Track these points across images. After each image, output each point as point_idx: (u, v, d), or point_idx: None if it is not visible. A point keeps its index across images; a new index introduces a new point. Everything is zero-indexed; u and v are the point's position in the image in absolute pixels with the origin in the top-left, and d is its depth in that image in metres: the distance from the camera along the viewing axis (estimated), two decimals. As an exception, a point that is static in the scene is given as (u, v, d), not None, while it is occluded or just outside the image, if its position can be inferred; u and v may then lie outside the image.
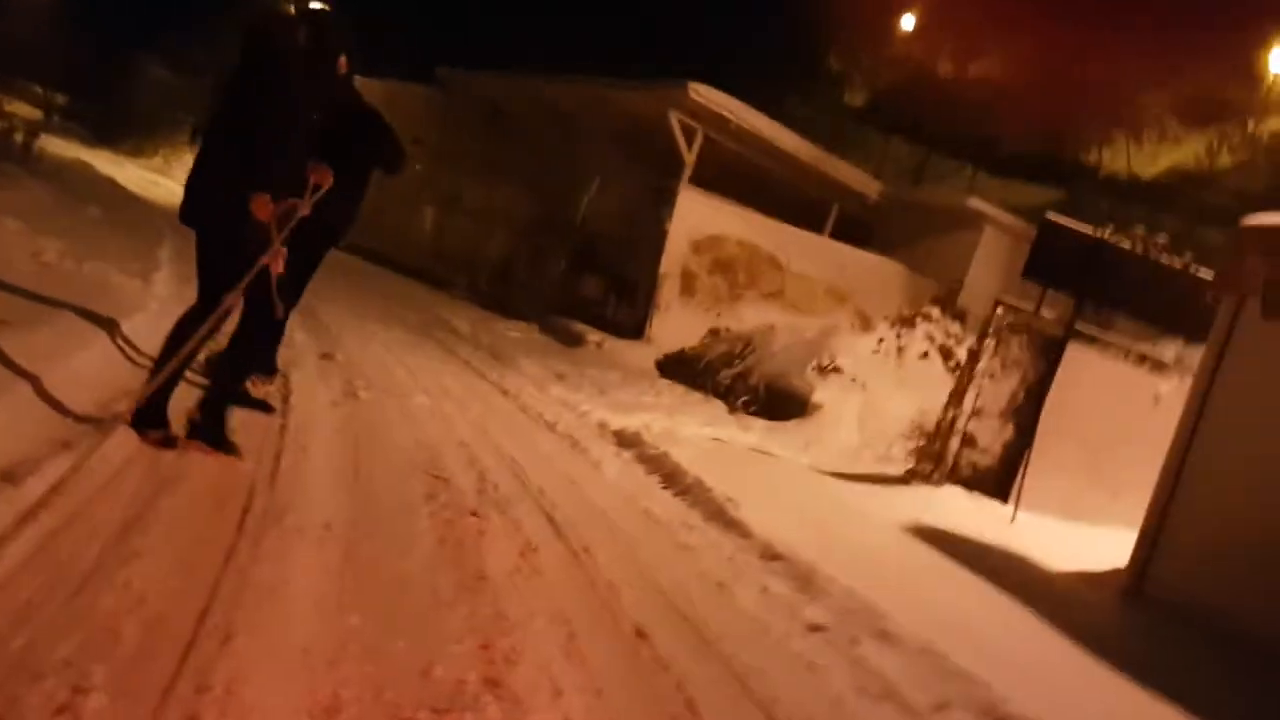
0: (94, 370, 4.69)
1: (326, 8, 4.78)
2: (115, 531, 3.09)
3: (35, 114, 29.06)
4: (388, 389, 7.19)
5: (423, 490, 4.78)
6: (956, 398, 8.98)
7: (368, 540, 3.78)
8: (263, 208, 4.24)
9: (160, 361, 4.30)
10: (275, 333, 5.46)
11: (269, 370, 5.64)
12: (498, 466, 5.80)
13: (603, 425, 8.30)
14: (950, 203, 18.79)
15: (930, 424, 9.30)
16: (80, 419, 4.04)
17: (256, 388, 5.37)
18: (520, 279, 20.56)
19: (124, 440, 3.91)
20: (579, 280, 18.97)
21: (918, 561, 6.49)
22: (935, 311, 13.66)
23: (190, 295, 7.94)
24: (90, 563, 2.83)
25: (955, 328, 13.05)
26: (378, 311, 11.98)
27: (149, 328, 6.11)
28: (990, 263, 17.71)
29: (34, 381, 3.99)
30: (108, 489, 3.40)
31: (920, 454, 9.07)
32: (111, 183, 18.07)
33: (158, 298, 7.05)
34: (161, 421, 4.21)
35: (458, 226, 23.75)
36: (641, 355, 14.63)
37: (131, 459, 3.78)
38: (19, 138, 11.46)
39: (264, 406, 5.28)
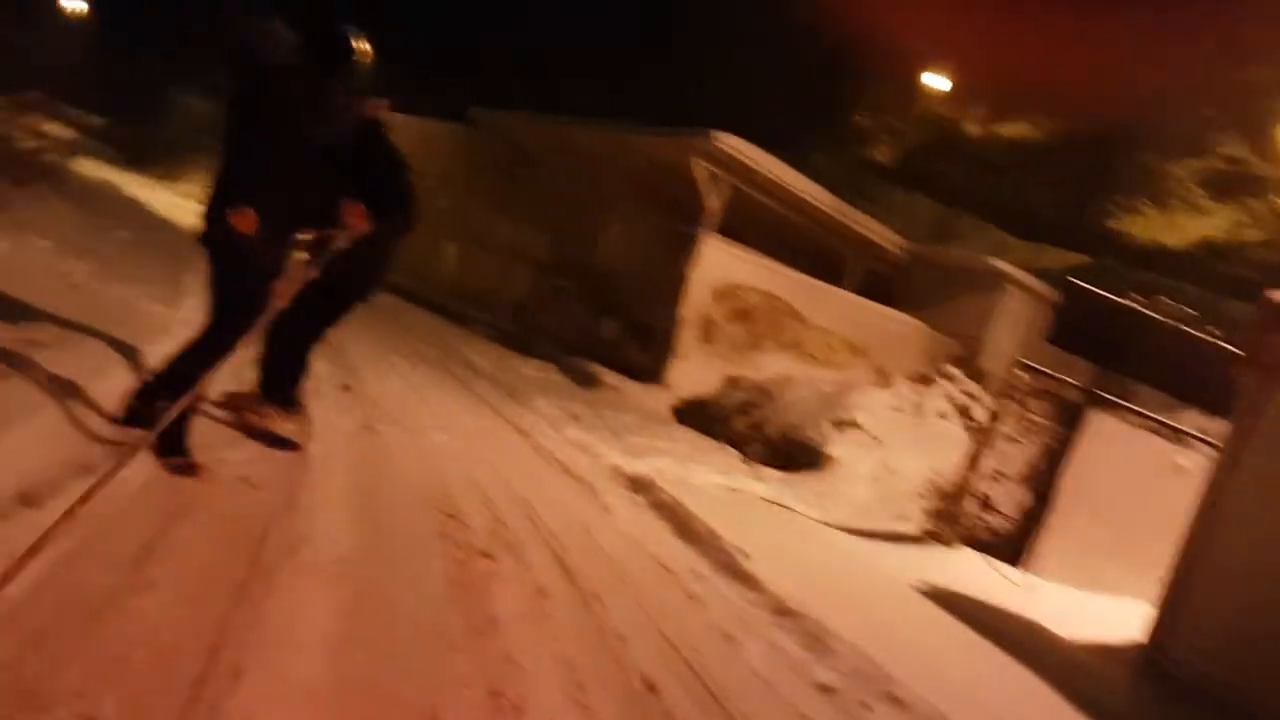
0: (118, 394, 4.69)
1: (344, 33, 4.83)
2: (130, 559, 3.08)
3: (69, 135, 29.45)
4: (405, 424, 7.18)
5: (436, 528, 4.76)
6: (974, 459, 8.93)
7: (380, 577, 3.76)
8: (242, 220, 4.29)
9: (168, 379, 4.35)
10: (298, 370, 5.42)
11: (291, 406, 5.50)
12: (510, 507, 5.77)
13: (616, 469, 8.27)
14: (972, 262, 18.80)
15: (946, 484, 9.24)
16: (102, 443, 4.05)
17: (279, 424, 5.27)
18: (540, 318, 20.62)
19: (143, 465, 3.91)
20: (597, 322, 19.00)
21: (929, 624, 6.42)
22: (955, 371, 13.65)
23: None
24: (104, 590, 2.82)
25: (974, 388, 13.03)
26: (398, 345, 12.01)
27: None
28: (1011, 324, 17.70)
29: (59, 404, 4.00)
30: (125, 515, 3.40)
31: (935, 514, 9.00)
32: (141, 206, 18.24)
33: (184, 323, 7.06)
34: (182, 449, 4.23)
35: (480, 263, 23.87)
36: (657, 399, 14.61)
37: (149, 485, 3.78)
38: (51, 158, 11.57)
39: (287, 444, 5.20)
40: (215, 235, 4.45)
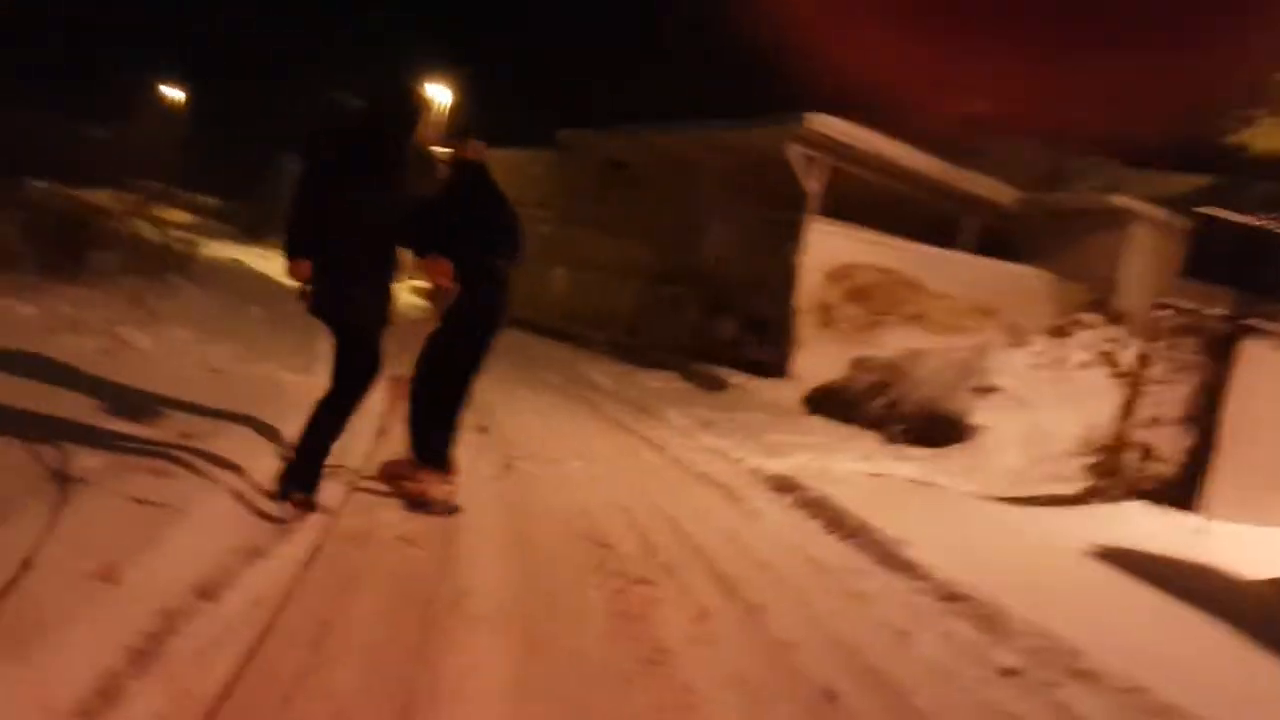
0: (274, 474, 4.83)
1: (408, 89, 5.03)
2: (310, 638, 3.15)
3: (189, 219, 30.69)
4: (542, 457, 7.24)
5: (589, 560, 4.77)
6: (1127, 407, 8.55)
7: (543, 619, 3.78)
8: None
9: (309, 440, 4.58)
10: (448, 429, 5.34)
11: (445, 466, 5.31)
12: (658, 527, 5.75)
13: (756, 471, 8.19)
14: (1093, 202, 18.13)
15: (1102, 438, 8.86)
16: (267, 522, 4.17)
17: (436, 488, 5.15)
18: (655, 329, 20.64)
19: (308, 541, 4.01)
20: (713, 324, 18.92)
21: (1106, 586, 6.16)
22: (1091, 318, 13.15)
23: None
24: (292, 672, 2.89)
25: (1115, 333, 12.52)
26: (522, 376, 12.14)
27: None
28: (1142, 260, 17.02)
29: (220, 492, 4.14)
30: (297, 593, 3.47)
31: (1094, 470, 8.64)
32: (265, 279, 18.87)
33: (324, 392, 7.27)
34: (312, 488, 4.49)
35: (588, 283, 24.05)
36: (786, 393, 14.46)
37: (315, 560, 3.86)
38: (178, 246, 12.09)
39: (448, 509, 5.07)
40: (323, 305, 4.75)
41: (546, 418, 9.24)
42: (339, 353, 4.74)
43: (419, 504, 5.01)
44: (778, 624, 4.31)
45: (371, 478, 5.16)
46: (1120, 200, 17.51)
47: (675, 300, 20.20)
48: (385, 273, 4.82)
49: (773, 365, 16.33)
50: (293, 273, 4.69)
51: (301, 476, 4.48)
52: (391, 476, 5.22)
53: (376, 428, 5.08)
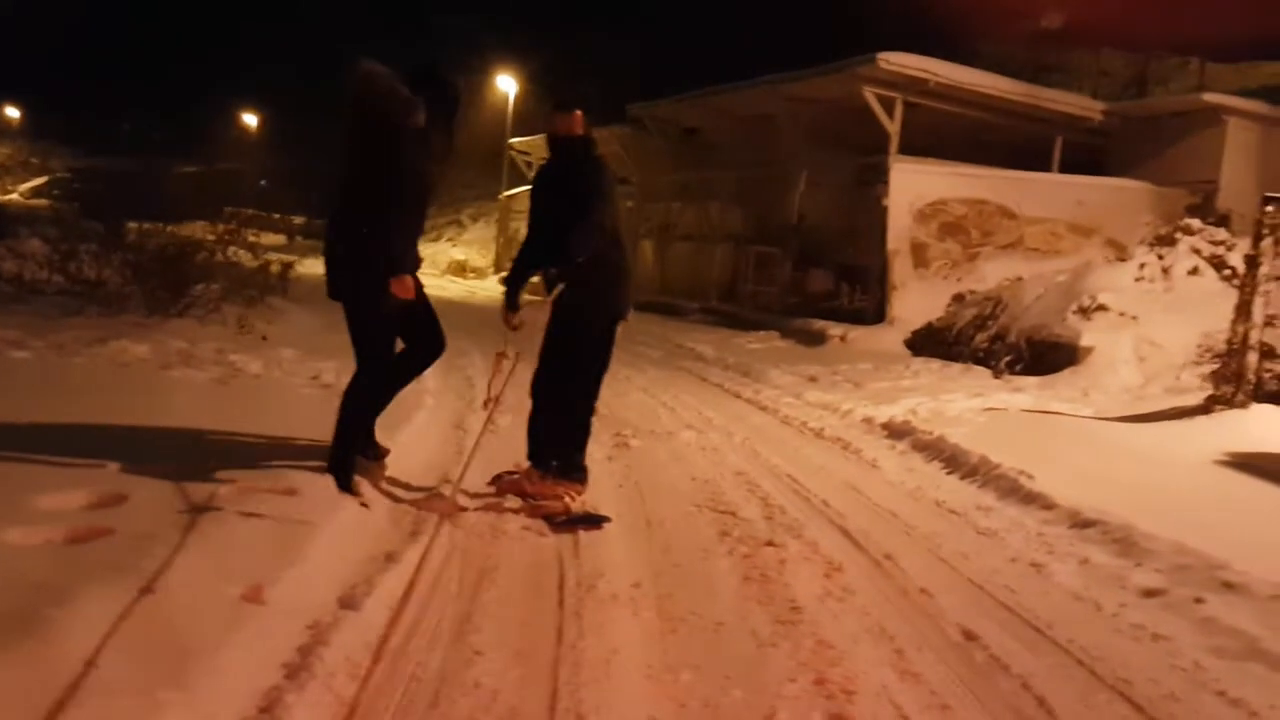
0: (394, 478, 4.99)
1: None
2: (452, 634, 3.25)
3: (280, 240, 31.40)
4: (654, 431, 7.31)
5: (713, 529, 4.81)
6: (1243, 309, 8.25)
7: (676, 592, 3.83)
8: (404, 289, 4.42)
9: (341, 429, 4.56)
10: (579, 433, 5.06)
11: (578, 474, 5.03)
12: (777, 488, 5.77)
13: (868, 420, 8.15)
14: (1184, 104, 17.49)
15: (1219, 343, 8.59)
16: (395, 527, 4.31)
17: (574, 500, 4.85)
18: (748, 290, 20.59)
19: (436, 540, 4.13)
20: (806, 278, 18.81)
21: (1242, 495, 6.00)
22: (1194, 223, 12.73)
23: (456, 382, 8.40)
24: (438, 670, 2.98)
25: (1222, 234, 12.10)
26: (623, 354, 12.20)
27: (428, 426, 6.49)
28: (1243, 157, 16.37)
29: (346, 503, 4.27)
30: (434, 592, 3.59)
31: (1215, 377, 8.38)
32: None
33: (431, 393, 7.44)
34: (348, 482, 4.44)
35: (677, 253, 24.07)
36: (887, 339, 14.32)
37: (449, 558, 3.98)
38: (274, 268, 12.43)
39: (592, 520, 4.68)
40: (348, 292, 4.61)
41: (652, 392, 9.31)
42: (372, 338, 4.61)
43: (565, 521, 4.62)
44: (909, 571, 4.30)
45: (500, 488, 5.07)
46: (1213, 97, 16.84)
47: (765, 259, 20.12)
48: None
49: (871, 312, 16.17)
50: (401, 290, 4.45)
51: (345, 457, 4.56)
52: (519, 491, 4.95)
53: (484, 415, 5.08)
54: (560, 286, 4.67)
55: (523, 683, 2.94)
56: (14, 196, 37.19)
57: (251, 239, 12.74)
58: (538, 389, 5.06)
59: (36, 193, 43.94)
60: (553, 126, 4.93)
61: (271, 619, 3.00)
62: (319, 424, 5.65)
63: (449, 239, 37.89)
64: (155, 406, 5.70)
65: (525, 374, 4.99)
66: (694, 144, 23.77)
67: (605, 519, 4.72)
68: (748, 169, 20.83)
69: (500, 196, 34.83)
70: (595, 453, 5.74)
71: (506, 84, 36.64)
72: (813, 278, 18.61)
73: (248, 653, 2.76)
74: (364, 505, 4.36)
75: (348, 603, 3.29)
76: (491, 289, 27.16)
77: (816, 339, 14.79)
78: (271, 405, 6.20)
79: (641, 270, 23.83)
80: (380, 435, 5.39)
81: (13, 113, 54.54)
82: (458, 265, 33.43)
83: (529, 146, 32.89)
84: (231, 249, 11.76)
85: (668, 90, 23.01)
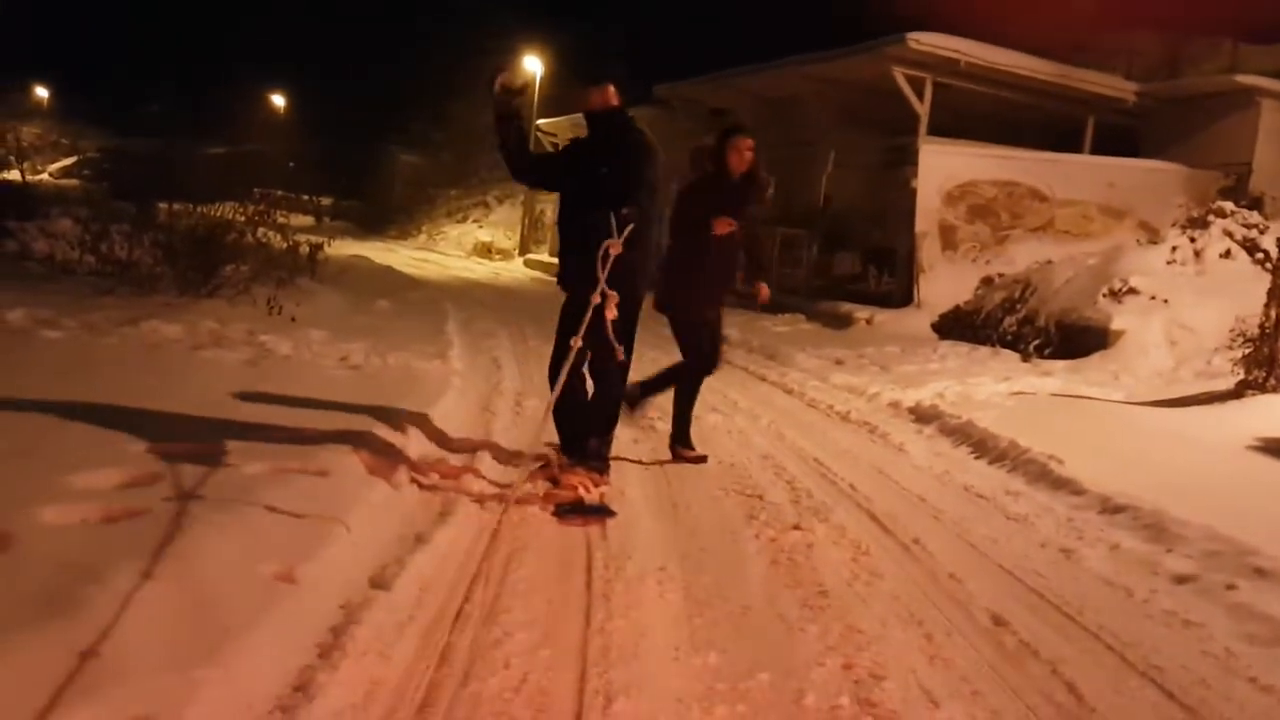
0: (423, 459, 5.01)
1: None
2: (482, 614, 3.27)
3: (309, 221, 31.50)
4: (679, 413, 7.30)
5: (740, 512, 4.81)
6: (1276, 293, 8.16)
7: (704, 574, 3.84)
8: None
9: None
10: (608, 425, 5.08)
11: (599, 465, 4.97)
12: (804, 471, 5.77)
13: (895, 404, 8.12)
14: (1217, 85, 17.20)
15: (1251, 327, 8.49)
16: (425, 508, 4.33)
17: (591, 491, 4.75)
18: (774, 272, 20.49)
19: (465, 521, 4.15)
20: (833, 261, 18.70)
21: (1272, 481, 5.93)
22: (1227, 205, 12.56)
23: (483, 363, 8.45)
24: (469, 649, 3.00)
25: (1255, 217, 11.93)
26: (649, 336, 12.19)
27: (456, 408, 6.50)
28: (1276, 139, 16.16)
29: (377, 483, 4.30)
30: (463, 574, 3.61)
31: (1247, 362, 8.28)
32: (389, 271, 19.36)
33: (458, 374, 7.47)
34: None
35: (703, 234, 23.92)
36: (915, 322, 14.22)
37: (478, 538, 4.01)
38: (303, 249, 12.50)
39: (603, 512, 4.58)
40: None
41: (678, 374, 9.29)
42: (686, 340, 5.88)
43: (571, 510, 4.55)
44: (938, 556, 4.29)
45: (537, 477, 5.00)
46: (1246, 79, 16.57)
47: (791, 241, 20.02)
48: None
49: (898, 295, 16.07)
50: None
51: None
52: (548, 479, 4.90)
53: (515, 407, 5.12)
54: (630, 227, 4.53)
55: (552, 663, 2.95)
56: (44, 177, 37.46)
57: (281, 220, 12.80)
58: (557, 373, 4.72)
59: (66, 173, 44.26)
60: (588, 103, 4.94)
61: (304, 598, 3.03)
62: (349, 404, 5.71)
63: (475, 220, 37.93)
64: (187, 387, 5.75)
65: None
66: (720, 125, 23.63)
67: (610, 513, 4.58)
68: (774, 150, 20.61)
69: (527, 178, 34.73)
70: (621, 435, 5.75)
71: (532, 65, 36.58)
72: (840, 260, 18.51)
73: (281, 632, 2.80)
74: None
75: (378, 582, 3.32)
76: (517, 270, 27.20)
77: (843, 322, 14.71)
78: (301, 386, 6.24)
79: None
80: (408, 417, 5.43)
81: (42, 93, 54.87)
82: (483, 246, 33.46)
83: (555, 128, 32.80)
84: (261, 230, 11.82)
85: (694, 71, 22.87)
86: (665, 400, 5.98)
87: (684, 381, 5.91)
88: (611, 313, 4.54)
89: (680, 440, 5.88)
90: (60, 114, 53.27)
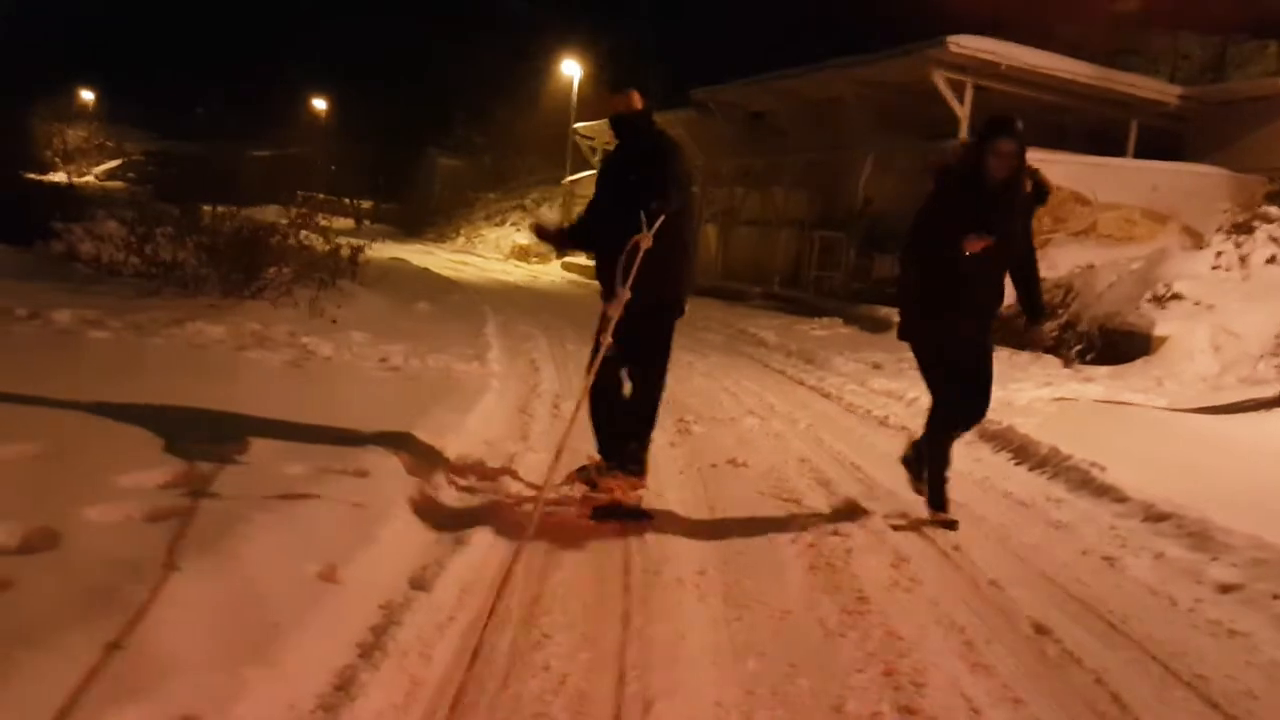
0: (461, 460, 5.04)
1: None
2: (521, 617, 3.29)
3: (348, 223, 31.73)
4: (717, 418, 7.30)
5: (778, 515, 4.80)
6: (1325, 300, 8.04)
7: (742, 579, 3.83)
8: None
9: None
10: (646, 428, 4.84)
11: (635, 470, 4.77)
12: (842, 475, 5.74)
13: (935, 410, 8.04)
14: (1263, 89, 16.98)
15: (1299, 334, 8.38)
16: (462, 509, 4.36)
17: (628, 494, 4.65)
18: (812, 276, 20.44)
19: (503, 523, 4.17)
20: (871, 264, 18.61)
21: (1322, 490, 5.83)
22: (1273, 210, 12.40)
23: (520, 366, 8.46)
24: (508, 653, 3.02)
25: (1303, 223, 11.77)
26: (685, 339, 12.19)
27: (494, 410, 6.54)
28: (1324, 144, 15.89)
29: (418, 485, 4.33)
30: (502, 575, 3.61)
31: (1295, 369, 8.18)
32: (428, 274, 19.51)
33: (496, 376, 7.51)
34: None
35: (740, 238, 23.96)
36: (955, 326, 14.08)
37: (514, 541, 4.01)
38: (344, 252, 12.63)
39: (641, 515, 4.56)
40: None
41: (715, 378, 9.29)
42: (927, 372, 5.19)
43: (608, 513, 4.53)
44: (978, 562, 4.25)
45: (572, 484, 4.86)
46: (1293, 82, 16.36)
47: (830, 245, 19.96)
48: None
49: (938, 299, 15.94)
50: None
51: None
52: (586, 483, 4.75)
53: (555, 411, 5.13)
54: (657, 224, 4.35)
55: (591, 666, 2.96)
56: (89, 179, 38.08)
57: (323, 223, 12.94)
58: (604, 379, 4.61)
59: (111, 175, 44.98)
60: (612, 109, 4.92)
61: (346, 598, 3.06)
62: (389, 406, 5.75)
63: (513, 223, 38.11)
64: (231, 387, 5.83)
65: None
66: (758, 128, 23.61)
67: (648, 516, 4.56)
68: (813, 153, 20.64)
69: (563, 181, 34.95)
70: (658, 438, 5.73)
71: (571, 69, 36.71)
72: (878, 263, 18.41)
73: (324, 631, 2.82)
74: None
75: (418, 583, 3.34)
76: (554, 274, 27.27)
77: (880, 326, 14.61)
78: (343, 387, 6.30)
79: (704, 255, 23.74)
80: (447, 419, 5.44)
81: (87, 96, 55.71)
82: (521, 250, 33.60)
83: (592, 131, 32.94)
84: (303, 233, 11.95)
85: (732, 75, 22.88)
86: (700, 401, 5.93)
87: (932, 430, 5.05)
88: (616, 310, 4.32)
89: (934, 503, 4.96)
90: (106, 117, 54.11)
